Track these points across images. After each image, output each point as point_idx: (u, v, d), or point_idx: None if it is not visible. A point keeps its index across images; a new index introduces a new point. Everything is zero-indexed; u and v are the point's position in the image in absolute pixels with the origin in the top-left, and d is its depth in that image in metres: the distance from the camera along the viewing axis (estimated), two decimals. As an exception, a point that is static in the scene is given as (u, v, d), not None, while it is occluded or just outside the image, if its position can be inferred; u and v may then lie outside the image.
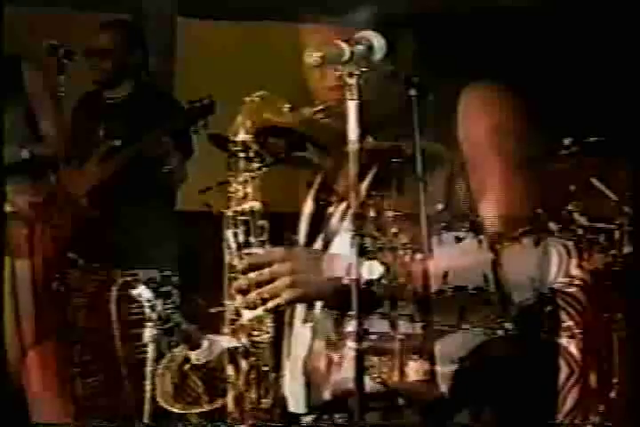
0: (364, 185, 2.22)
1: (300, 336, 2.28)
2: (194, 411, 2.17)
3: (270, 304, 2.13)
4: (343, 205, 2.27)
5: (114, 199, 4.29)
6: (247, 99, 2.22)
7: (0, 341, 3.69)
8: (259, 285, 2.13)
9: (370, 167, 2.24)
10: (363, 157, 2.17)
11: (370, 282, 2.05)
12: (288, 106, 2.18)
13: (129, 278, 4.04)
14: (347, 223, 2.21)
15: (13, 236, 3.87)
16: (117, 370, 4.06)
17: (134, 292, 2.21)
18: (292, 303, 2.20)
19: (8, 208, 3.84)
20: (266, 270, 2.13)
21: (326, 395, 2.20)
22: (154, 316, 2.18)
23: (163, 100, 4.72)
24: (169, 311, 2.18)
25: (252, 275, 2.14)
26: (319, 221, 2.35)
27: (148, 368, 2.20)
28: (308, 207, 2.41)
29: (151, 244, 4.34)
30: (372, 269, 2.06)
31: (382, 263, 2.07)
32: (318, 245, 2.31)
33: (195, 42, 5.95)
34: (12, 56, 3.99)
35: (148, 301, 2.19)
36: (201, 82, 5.74)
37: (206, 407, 2.17)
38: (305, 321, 2.24)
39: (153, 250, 4.34)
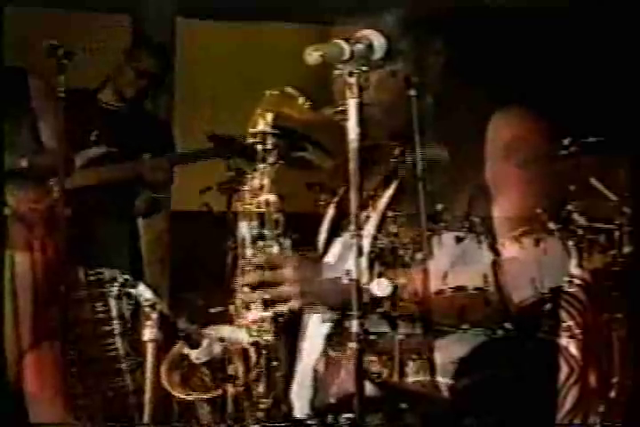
0: (386, 197, 2.24)
1: (314, 337, 2.28)
2: (201, 397, 2.16)
3: (273, 310, 2.14)
4: (364, 214, 2.27)
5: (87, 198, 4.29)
6: (267, 92, 2.23)
7: (-1, 340, 3.69)
8: (265, 284, 2.14)
9: (392, 180, 2.26)
10: (385, 168, 2.20)
11: (380, 298, 2.07)
12: (309, 103, 2.19)
13: (124, 278, 4.06)
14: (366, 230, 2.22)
15: (14, 234, 3.87)
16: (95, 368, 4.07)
17: (134, 291, 2.21)
18: (295, 312, 2.21)
19: (8, 211, 3.85)
20: (275, 273, 2.14)
21: (332, 396, 2.20)
22: (154, 315, 2.19)
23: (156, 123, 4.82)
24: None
25: (261, 273, 2.15)
26: (338, 227, 2.36)
27: (148, 368, 2.20)
28: (329, 213, 2.42)
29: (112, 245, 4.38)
30: (383, 287, 2.07)
31: (390, 280, 2.09)
32: (336, 249, 2.33)
33: (195, 42, 5.95)
34: (17, 68, 4.00)
35: (147, 300, 2.20)
36: (201, 82, 5.74)
37: (213, 393, 2.17)
38: (323, 321, 2.24)
39: (112, 251, 4.37)
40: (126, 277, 4.14)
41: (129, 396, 3.86)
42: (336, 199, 2.43)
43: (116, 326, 4.00)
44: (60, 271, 3.84)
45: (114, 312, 4.02)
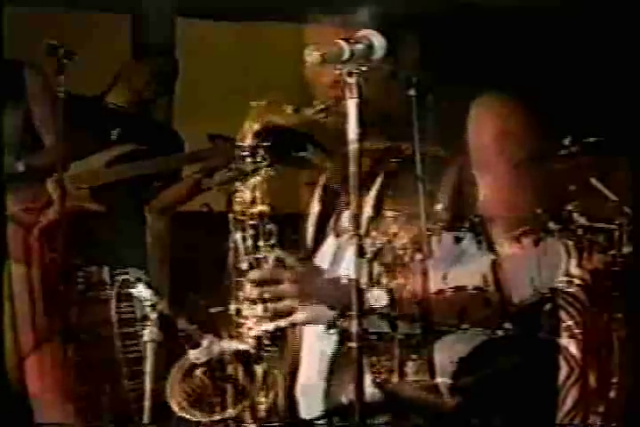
0: (373, 192, 2.23)
1: (314, 338, 2.28)
2: (208, 419, 2.15)
3: (274, 324, 2.15)
4: (349, 212, 2.25)
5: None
6: (253, 103, 2.22)
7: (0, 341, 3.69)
8: (265, 299, 2.14)
9: (377, 174, 2.25)
10: (369, 163, 2.19)
11: (376, 309, 2.07)
12: (292, 107, 2.19)
13: (129, 277, 4.06)
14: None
15: (11, 238, 3.87)
16: (110, 369, 4.07)
17: (134, 291, 2.20)
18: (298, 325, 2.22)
19: (8, 212, 3.85)
20: (276, 288, 2.14)
21: (336, 397, 2.20)
22: (154, 315, 2.18)
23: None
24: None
25: (260, 288, 2.15)
26: (326, 223, 2.36)
27: (148, 367, 2.20)
28: (314, 208, 2.41)
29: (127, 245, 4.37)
30: (379, 298, 2.07)
31: (387, 290, 2.09)
32: (329, 245, 2.32)
33: (195, 42, 5.95)
34: (14, 62, 3.99)
35: (148, 300, 2.19)
36: (201, 82, 5.74)
37: (220, 415, 2.16)
38: (329, 328, 2.23)
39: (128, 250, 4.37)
40: (148, 278, 4.15)
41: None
42: (317, 195, 2.42)
43: (139, 327, 3.99)
44: (63, 272, 3.84)
45: (137, 313, 4.01)
